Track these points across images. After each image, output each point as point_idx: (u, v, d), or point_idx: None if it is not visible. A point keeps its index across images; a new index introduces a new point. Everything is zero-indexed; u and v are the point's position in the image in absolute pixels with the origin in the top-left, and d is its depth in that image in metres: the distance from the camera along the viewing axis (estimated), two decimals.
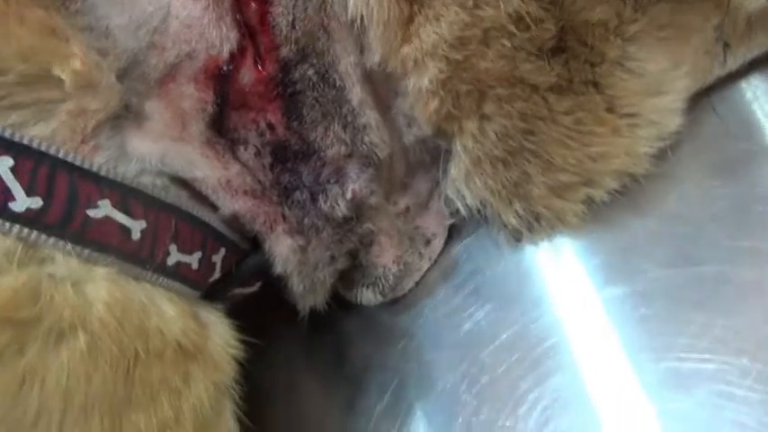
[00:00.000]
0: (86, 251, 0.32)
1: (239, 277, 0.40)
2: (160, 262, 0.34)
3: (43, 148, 0.31)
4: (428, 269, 0.45)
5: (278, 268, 0.39)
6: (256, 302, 0.44)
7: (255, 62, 0.37)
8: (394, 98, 0.40)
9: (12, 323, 0.29)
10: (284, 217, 0.39)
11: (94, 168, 0.32)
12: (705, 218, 0.40)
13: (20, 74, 0.31)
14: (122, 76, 0.34)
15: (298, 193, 0.39)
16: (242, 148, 0.38)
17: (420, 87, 0.37)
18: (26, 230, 0.30)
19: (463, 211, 0.42)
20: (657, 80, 0.39)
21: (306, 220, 0.39)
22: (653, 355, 0.37)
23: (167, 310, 0.34)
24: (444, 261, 0.45)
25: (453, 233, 0.46)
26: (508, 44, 0.36)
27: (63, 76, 0.31)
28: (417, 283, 0.45)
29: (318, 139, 0.38)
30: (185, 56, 0.35)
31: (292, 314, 0.43)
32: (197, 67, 0.36)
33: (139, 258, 0.33)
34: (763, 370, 0.34)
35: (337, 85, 0.38)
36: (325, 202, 0.39)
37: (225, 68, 0.36)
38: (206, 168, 0.36)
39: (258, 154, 0.38)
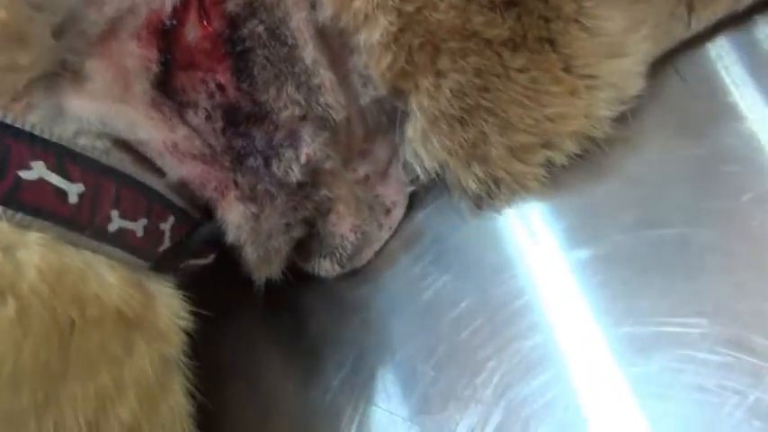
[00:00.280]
0: (18, 215, 0.30)
1: (191, 247, 0.39)
2: (101, 228, 0.33)
3: None
4: (388, 239, 0.44)
5: (230, 237, 0.38)
6: (213, 277, 0.43)
7: (201, 17, 0.35)
8: (348, 56, 0.39)
9: None
10: (236, 183, 0.37)
11: (27, 128, 0.31)
12: (667, 180, 0.39)
13: None
14: (59, 32, 0.33)
15: (251, 159, 0.38)
16: (191, 112, 0.37)
17: (372, 42, 0.36)
18: None
19: (422, 176, 0.41)
20: (617, 41, 0.38)
21: (259, 187, 0.38)
22: (614, 319, 0.37)
23: (107, 277, 0.32)
24: (405, 231, 0.44)
25: (414, 203, 0.44)
26: None
27: None
28: (377, 254, 0.44)
29: (271, 100, 0.37)
30: (126, 10, 0.34)
31: (250, 289, 0.41)
32: (139, 22, 0.34)
33: (77, 223, 0.32)
34: (722, 332, 0.34)
35: (289, 42, 0.37)
36: (279, 166, 0.38)
37: (168, 23, 0.35)
38: (151, 130, 0.35)
39: (209, 117, 0.37)
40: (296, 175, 0.38)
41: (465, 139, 0.38)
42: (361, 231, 0.42)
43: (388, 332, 0.42)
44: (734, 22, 0.41)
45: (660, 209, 0.38)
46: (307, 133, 0.38)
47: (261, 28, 0.36)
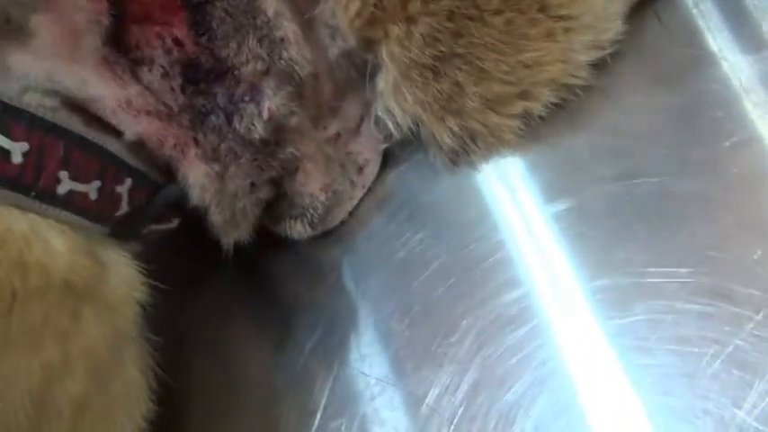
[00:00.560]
0: None
1: (153, 211, 0.37)
2: (48, 190, 0.31)
3: None
4: (362, 200, 0.43)
5: (194, 198, 0.37)
6: (180, 242, 0.41)
7: None
8: (314, 5, 0.37)
9: None
10: (197, 141, 0.36)
11: None
12: (646, 129, 0.38)
13: None
14: None
15: (213, 117, 0.36)
16: (146, 69, 0.35)
17: None
18: None
19: (395, 132, 0.39)
20: None
21: (222, 146, 0.36)
22: (593, 272, 0.36)
23: (55, 243, 0.31)
24: (378, 189, 0.43)
25: (388, 161, 0.43)
26: None
27: None
28: (350, 214, 0.43)
29: (232, 55, 0.35)
30: None
31: (218, 254, 0.40)
32: None
33: (22, 184, 0.30)
34: (702, 282, 0.32)
35: None
36: (240, 122, 0.36)
37: None
38: (102, 88, 0.33)
39: (166, 74, 0.35)
40: (259, 131, 0.36)
41: (439, 91, 0.37)
42: (332, 190, 0.41)
43: (361, 293, 0.40)
44: None
45: (639, 158, 0.37)
46: (269, 87, 0.36)
47: None
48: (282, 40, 0.36)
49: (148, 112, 0.34)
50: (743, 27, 0.39)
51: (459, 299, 0.38)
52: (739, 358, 0.30)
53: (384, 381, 0.37)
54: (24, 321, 0.29)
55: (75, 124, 0.33)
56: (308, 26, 0.37)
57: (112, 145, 0.34)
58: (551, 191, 0.38)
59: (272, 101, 0.36)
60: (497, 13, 0.35)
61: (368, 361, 0.38)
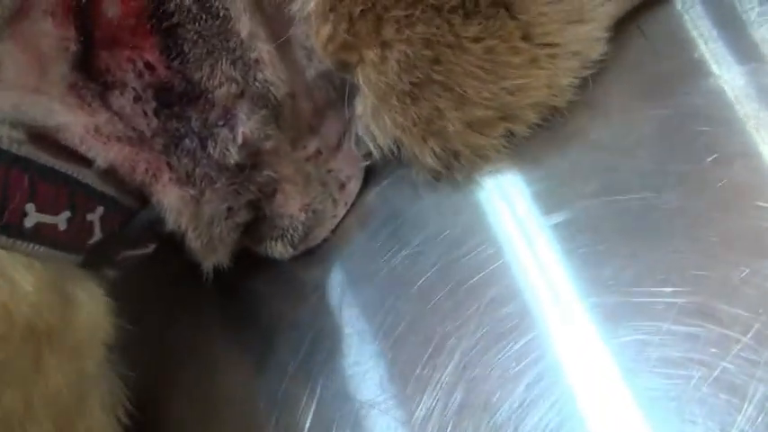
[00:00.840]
0: None
1: (127, 238, 0.37)
2: (14, 224, 0.30)
3: None
4: (343, 216, 0.42)
5: (170, 223, 0.36)
6: (159, 264, 0.41)
7: None
8: (288, 27, 0.36)
9: None
10: (170, 166, 0.35)
11: None
12: (630, 144, 0.37)
13: None
14: None
15: (187, 141, 0.35)
16: (117, 93, 0.34)
17: (308, 11, 0.34)
18: None
19: (375, 153, 0.39)
20: (577, 6, 0.36)
21: (197, 170, 0.36)
22: (578, 291, 0.35)
23: (21, 281, 0.30)
24: (360, 206, 0.42)
25: (369, 178, 0.42)
26: None
27: None
28: (332, 232, 0.42)
29: (205, 78, 0.35)
30: None
31: (199, 275, 0.39)
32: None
33: None
34: (687, 302, 0.32)
35: (221, 14, 0.34)
36: (215, 148, 0.35)
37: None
38: (69, 116, 0.32)
39: (139, 98, 0.35)
40: (233, 156, 0.35)
41: (418, 115, 0.36)
42: (312, 210, 0.40)
43: (344, 313, 0.40)
44: None
45: (622, 174, 0.36)
46: (242, 111, 0.35)
47: (189, 0, 0.33)
48: (257, 61, 0.35)
49: (118, 139, 0.34)
50: (726, 40, 0.38)
51: (444, 317, 0.37)
52: (727, 381, 0.30)
53: (369, 404, 0.37)
54: None
55: (42, 156, 0.32)
56: (283, 47, 0.37)
57: (82, 174, 0.33)
58: (535, 207, 0.38)
59: (246, 125, 0.35)
60: (477, 40, 0.34)
61: (352, 383, 0.38)
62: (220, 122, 0.35)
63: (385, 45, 0.34)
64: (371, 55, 0.35)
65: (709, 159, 0.35)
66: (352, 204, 0.42)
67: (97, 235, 0.34)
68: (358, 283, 0.40)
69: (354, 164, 0.42)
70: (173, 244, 0.38)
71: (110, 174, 0.34)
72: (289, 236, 0.40)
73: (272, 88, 0.36)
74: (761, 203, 0.33)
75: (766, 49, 0.37)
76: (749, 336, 0.30)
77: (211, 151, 0.35)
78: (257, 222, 0.40)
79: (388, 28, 0.34)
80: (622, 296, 0.34)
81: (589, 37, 0.37)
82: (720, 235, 0.33)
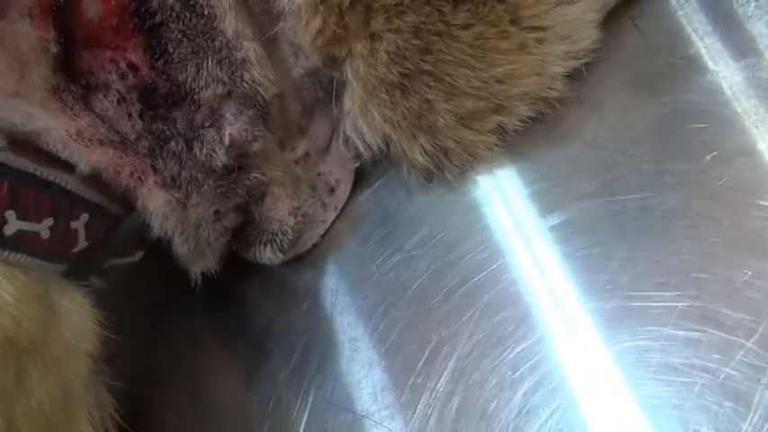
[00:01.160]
0: None
1: (113, 245, 0.35)
2: None
3: None
4: (335, 221, 0.41)
5: (156, 228, 0.35)
6: (148, 269, 0.40)
7: None
8: (275, 24, 0.35)
9: None
10: (155, 169, 0.34)
11: None
12: (627, 142, 0.36)
13: None
14: None
15: (172, 143, 0.34)
16: (101, 95, 0.33)
17: (297, 4, 0.32)
18: None
19: (364, 152, 0.38)
20: None
21: (183, 174, 0.35)
22: (575, 296, 0.34)
23: (2, 291, 0.29)
24: (351, 211, 0.41)
25: (360, 180, 0.41)
26: None
27: None
28: (322, 237, 0.41)
29: (190, 79, 0.34)
30: None
31: (188, 281, 0.38)
32: (30, 0, 0.30)
33: None
34: (689, 306, 0.31)
35: (205, 13, 0.33)
36: (201, 149, 0.34)
37: None
38: (49, 120, 0.31)
39: (122, 100, 0.33)
40: (220, 158, 0.34)
41: (408, 109, 0.35)
42: (301, 214, 0.39)
43: (336, 320, 0.39)
44: None
45: (620, 174, 0.36)
46: (229, 111, 0.34)
47: None
48: (243, 61, 0.34)
49: (101, 142, 0.33)
50: (722, 35, 0.37)
51: (439, 323, 0.36)
52: (731, 388, 0.29)
53: (363, 414, 0.36)
54: None
55: (22, 161, 0.31)
56: (270, 45, 0.36)
57: (65, 180, 0.32)
58: (530, 208, 0.37)
59: (234, 126, 0.34)
60: (466, 27, 0.33)
61: (345, 392, 0.37)
62: (207, 123, 0.34)
63: (374, 36, 0.34)
64: (360, 47, 0.34)
65: (709, 157, 0.34)
66: (343, 208, 0.41)
67: (82, 243, 0.33)
68: (350, 288, 0.39)
69: (344, 166, 0.41)
70: (160, 251, 0.37)
71: (93, 179, 0.33)
72: (278, 240, 0.39)
73: (259, 89, 0.35)
74: (763, 202, 0.32)
75: (763, 44, 0.36)
76: (753, 340, 0.29)
77: (198, 153, 0.34)
78: (245, 227, 0.39)
79: (378, 18, 0.33)
80: (621, 300, 0.33)
81: (578, 19, 0.36)
82: (722, 235, 0.32)
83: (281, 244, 0.39)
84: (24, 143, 0.31)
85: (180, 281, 0.38)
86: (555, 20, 0.35)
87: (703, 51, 0.37)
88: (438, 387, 0.34)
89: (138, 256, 0.37)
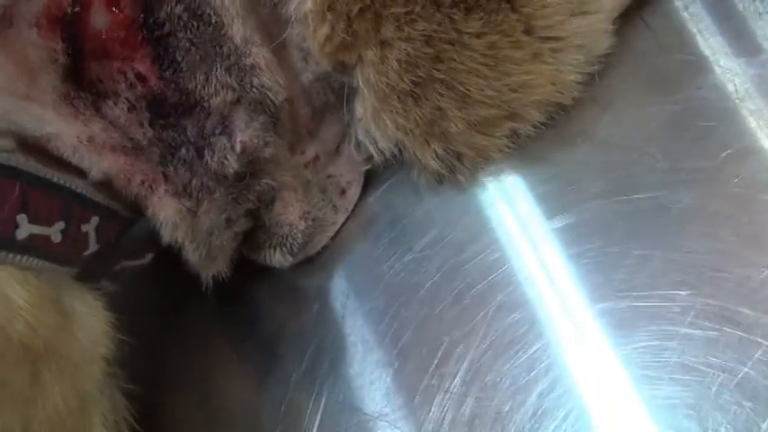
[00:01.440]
0: None
1: (124, 248, 0.36)
2: (6, 236, 0.29)
3: None
4: (343, 222, 0.41)
5: (166, 236, 0.35)
6: (159, 273, 0.40)
7: (108, 2, 0.31)
8: (283, 29, 0.35)
9: None
10: (166, 177, 0.34)
11: None
12: (639, 140, 0.36)
13: None
14: None
15: (183, 151, 0.34)
16: (111, 102, 0.33)
17: (304, 11, 0.32)
18: None
19: (376, 157, 0.37)
20: None
21: (194, 181, 0.34)
22: (590, 296, 0.34)
23: (15, 297, 0.28)
24: (361, 212, 0.41)
25: (369, 181, 0.41)
26: None
27: None
28: (332, 239, 0.41)
29: (199, 87, 0.33)
30: None
31: (198, 284, 0.38)
32: (36, 9, 0.31)
33: None
34: (705, 304, 0.31)
35: (213, 21, 0.33)
36: (212, 157, 0.34)
37: (69, 11, 0.31)
38: (61, 125, 0.31)
39: (132, 108, 0.33)
40: (232, 165, 0.34)
41: (420, 116, 0.35)
42: (312, 218, 0.39)
43: (347, 322, 0.38)
44: None
45: (634, 173, 0.35)
46: (240, 119, 0.34)
47: (179, 8, 0.32)
48: (253, 67, 0.34)
49: (113, 148, 0.32)
50: (733, 31, 0.37)
51: (451, 324, 0.36)
52: (749, 388, 0.28)
53: (376, 416, 0.36)
54: None
55: (32, 165, 0.31)
56: (279, 51, 0.35)
57: (76, 183, 0.32)
58: (541, 209, 0.37)
59: (245, 133, 0.34)
60: (479, 36, 0.33)
61: (357, 394, 0.37)
62: (217, 131, 0.34)
63: (384, 44, 0.33)
64: (371, 55, 0.34)
65: (723, 155, 0.34)
66: (353, 209, 0.41)
67: (93, 246, 0.33)
68: (361, 289, 0.39)
69: (354, 168, 0.40)
70: (170, 254, 0.37)
71: (104, 185, 0.33)
72: (288, 244, 0.39)
73: (269, 94, 0.34)
74: None
75: None
76: None
77: (209, 161, 0.34)
78: (255, 230, 0.39)
79: (388, 26, 0.33)
80: (636, 300, 0.32)
81: (593, 29, 0.35)
82: (738, 234, 0.32)
83: (291, 247, 0.39)
84: (34, 147, 0.31)
85: (190, 284, 0.38)
86: (570, 30, 0.34)
87: (714, 49, 0.37)
88: (451, 389, 0.34)
89: (149, 258, 0.37)
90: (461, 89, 0.34)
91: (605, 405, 0.31)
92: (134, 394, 0.35)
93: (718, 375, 0.29)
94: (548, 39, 0.34)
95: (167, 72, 0.33)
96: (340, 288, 0.40)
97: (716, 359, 0.30)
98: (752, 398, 0.28)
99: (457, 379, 0.34)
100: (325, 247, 0.41)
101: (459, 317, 0.36)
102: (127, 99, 0.33)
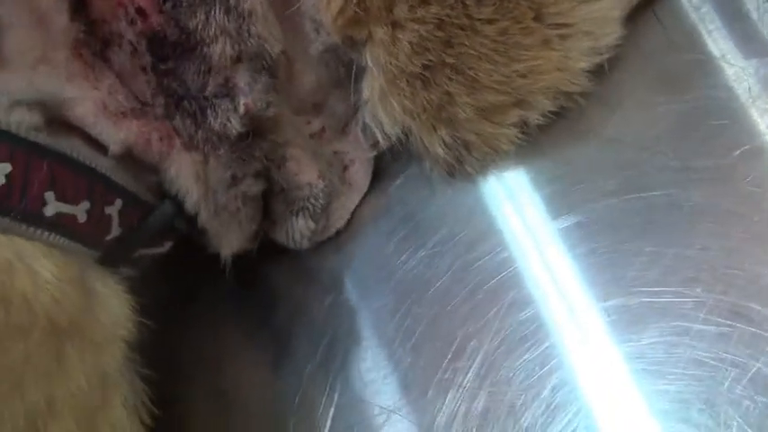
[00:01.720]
0: None
1: (145, 235, 0.36)
2: (34, 212, 0.29)
3: None
4: (358, 215, 0.41)
5: (189, 199, 0.34)
6: (175, 260, 0.40)
7: None
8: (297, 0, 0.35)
9: None
10: (176, 130, 0.34)
11: None
12: (650, 139, 0.36)
13: None
14: None
15: (186, 103, 0.34)
16: (116, 47, 0.33)
17: None
18: None
19: (382, 141, 0.38)
20: None
21: (200, 133, 0.34)
22: (602, 292, 0.34)
23: (42, 271, 0.29)
24: (373, 206, 0.41)
25: (383, 177, 0.41)
26: None
27: None
28: (346, 231, 0.41)
29: (200, 27, 0.33)
30: None
31: (213, 275, 0.38)
32: None
33: (5, 207, 0.28)
34: (717, 301, 0.31)
35: None
36: (216, 118, 0.34)
37: None
38: (75, 91, 0.31)
39: (135, 51, 0.33)
40: (235, 126, 0.34)
41: (428, 101, 0.35)
42: (328, 179, 0.39)
43: (360, 316, 0.39)
44: None
45: (644, 171, 0.36)
46: (243, 80, 0.34)
47: None
48: (250, 13, 0.33)
49: (124, 114, 0.33)
50: (744, 30, 0.37)
51: (463, 321, 0.36)
52: (762, 383, 0.29)
53: (389, 409, 0.36)
54: (4, 361, 0.28)
55: (60, 141, 0.31)
56: (291, 17, 0.35)
57: (99, 163, 0.32)
58: (554, 206, 0.37)
59: (249, 96, 0.34)
60: (490, 21, 0.33)
61: (371, 387, 0.37)
62: (221, 93, 0.34)
63: (396, 24, 0.34)
64: (381, 33, 0.34)
65: (734, 155, 0.35)
66: (367, 203, 0.41)
67: (115, 230, 0.33)
68: (374, 284, 0.39)
69: (361, 150, 0.40)
70: (189, 241, 0.37)
71: (126, 158, 0.33)
72: (310, 207, 0.39)
73: (266, 45, 0.34)
74: None
75: None
76: None
77: (212, 122, 0.34)
78: (275, 200, 0.39)
79: (401, 6, 0.33)
80: (649, 296, 0.33)
81: (602, 16, 0.36)
82: (749, 231, 0.32)
83: (314, 210, 0.39)
84: (59, 123, 0.31)
85: (206, 273, 0.39)
86: (579, 17, 0.35)
87: (723, 48, 0.37)
88: (465, 383, 0.35)
89: (167, 246, 0.37)
90: (471, 74, 0.34)
91: (618, 399, 0.32)
92: (150, 380, 0.35)
93: (731, 370, 0.30)
94: (557, 25, 0.35)
95: (167, 5, 0.33)
96: (353, 282, 0.40)
97: (728, 354, 0.30)
98: (764, 392, 0.29)
99: (470, 373, 0.35)
100: (338, 241, 0.41)
101: (472, 313, 0.36)
102: (129, 41, 0.33)
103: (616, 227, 0.35)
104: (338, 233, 0.41)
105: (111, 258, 0.34)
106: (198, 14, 0.33)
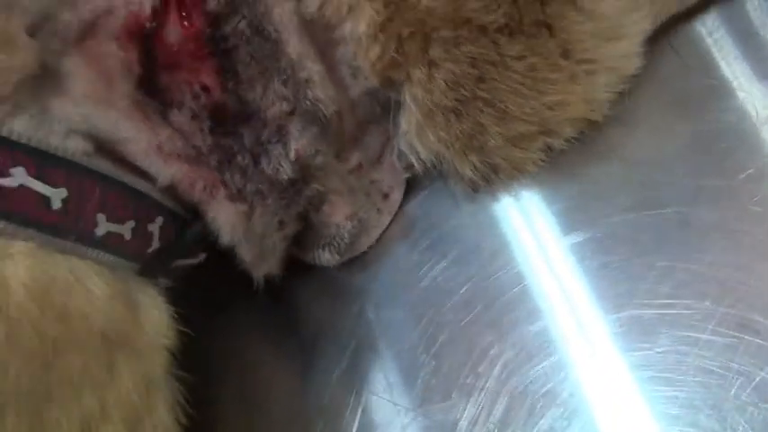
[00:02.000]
0: (1, 224, 0.29)
1: (182, 247, 0.38)
2: (87, 233, 0.32)
3: None
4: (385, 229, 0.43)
5: (225, 238, 0.37)
6: (207, 271, 0.42)
7: (181, 17, 0.34)
8: (335, 48, 0.37)
9: None
10: (224, 183, 0.36)
11: (4, 133, 0.30)
12: (664, 159, 0.39)
13: None
14: (33, 33, 0.31)
15: (239, 158, 0.37)
16: (176, 111, 0.36)
17: (358, 33, 0.35)
18: None
19: (417, 166, 0.40)
20: (615, 23, 0.37)
21: (249, 187, 0.37)
22: (615, 303, 0.36)
23: (95, 288, 0.31)
24: (399, 218, 0.43)
25: (409, 188, 0.44)
26: None
27: None
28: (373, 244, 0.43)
29: (258, 98, 0.36)
30: (103, 12, 0.33)
31: (243, 284, 0.41)
32: (118, 24, 0.33)
33: (63, 229, 0.31)
34: (725, 313, 0.33)
35: (272, 37, 0.36)
36: (268, 164, 0.37)
37: (148, 25, 0.33)
38: (133, 131, 0.34)
39: (195, 117, 0.36)
40: (286, 171, 0.37)
41: (461, 131, 0.37)
42: (357, 219, 0.41)
43: (386, 322, 0.41)
44: None
45: (658, 189, 0.38)
46: (295, 128, 0.37)
47: (243, 24, 0.35)
48: (307, 81, 0.36)
49: (178, 156, 0.35)
50: (757, 57, 0.39)
51: (484, 328, 0.38)
52: (766, 391, 0.31)
53: (413, 410, 0.38)
54: (65, 373, 0.30)
55: (109, 167, 0.33)
56: (330, 67, 0.38)
57: (144, 186, 0.35)
58: (571, 221, 0.39)
59: (299, 142, 0.37)
60: (520, 58, 0.36)
61: (396, 390, 0.39)
62: (274, 139, 0.36)
63: (432, 64, 0.36)
64: (418, 74, 0.36)
65: (743, 176, 0.37)
66: (395, 218, 0.43)
67: (155, 244, 0.36)
68: (398, 293, 0.41)
69: (396, 175, 0.43)
70: (221, 253, 0.39)
71: (169, 190, 0.35)
72: (335, 244, 0.41)
73: (321, 106, 0.37)
74: None
75: None
76: None
77: (265, 167, 0.37)
78: (305, 232, 0.41)
79: (436, 48, 0.35)
80: (658, 308, 0.35)
81: (625, 53, 0.38)
82: (756, 249, 0.34)
83: (339, 247, 0.41)
84: (109, 152, 0.33)
85: (232, 284, 0.41)
86: (604, 54, 0.37)
87: (736, 74, 0.39)
88: (486, 387, 0.37)
89: (202, 257, 0.40)
90: (501, 107, 0.37)
91: (630, 404, 0.34)
92: (185, 382, 0.37)
93: (737, 379, 0.32)
94: (583, 62, 0.37)
95: (230, 83, 0.35)
96: (379, 290, 0.42)
97: (735, 364, 0.32)
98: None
99: (491, 378, 0.37)
100: (365, 255, 0.43)
101: (493, 321, 0.38)
102: (191, 108, 0.36)
103: (628, 242, 0.37)
104: None
105: (150, 269, 0.36)
106: (257, 88, 0.35)
